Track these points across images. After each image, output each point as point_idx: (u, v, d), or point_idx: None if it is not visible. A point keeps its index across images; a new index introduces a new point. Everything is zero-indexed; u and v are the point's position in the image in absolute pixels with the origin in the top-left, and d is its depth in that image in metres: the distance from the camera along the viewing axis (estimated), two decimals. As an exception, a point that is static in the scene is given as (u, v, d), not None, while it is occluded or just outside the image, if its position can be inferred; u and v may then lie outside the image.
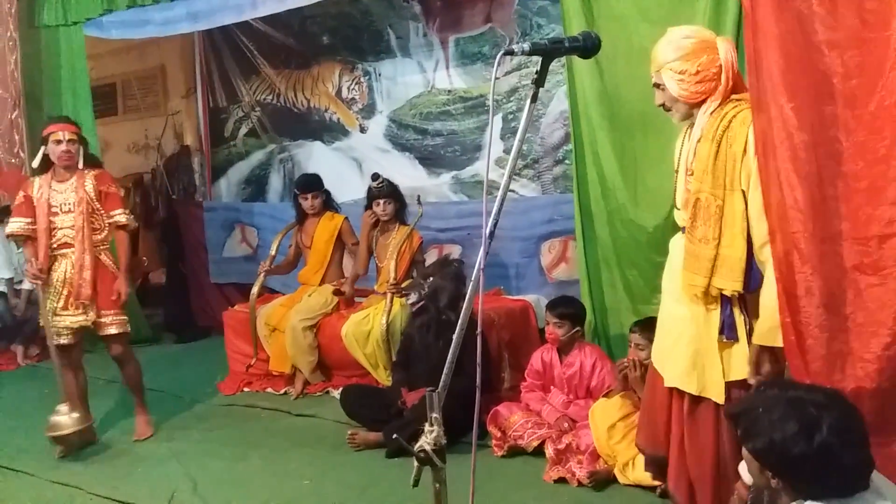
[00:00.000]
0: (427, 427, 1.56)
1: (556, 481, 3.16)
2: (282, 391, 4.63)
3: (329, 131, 6.16)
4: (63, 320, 3.78)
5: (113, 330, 3.83)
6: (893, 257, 1.88)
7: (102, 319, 3.80)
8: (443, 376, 1.60)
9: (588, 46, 1.71)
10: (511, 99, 5.14)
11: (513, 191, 5.06)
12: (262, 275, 4.89)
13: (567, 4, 3.86)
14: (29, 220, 3.78)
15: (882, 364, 1.92)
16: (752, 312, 2.25)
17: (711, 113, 2.26)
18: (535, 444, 3.40)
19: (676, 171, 2.44)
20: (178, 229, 6.75)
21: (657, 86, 2.35)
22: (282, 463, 3.58)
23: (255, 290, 4.86)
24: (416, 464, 1.56)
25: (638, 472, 2.98)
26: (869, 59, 1.85)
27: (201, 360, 5.48)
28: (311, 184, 4.93)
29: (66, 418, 3.69)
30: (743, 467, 1.77)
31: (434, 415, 1.56)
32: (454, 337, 1.62)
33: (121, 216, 3.85)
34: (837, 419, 1.61)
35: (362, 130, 5.96)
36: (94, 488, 3.37)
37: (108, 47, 6.72)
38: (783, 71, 1.98)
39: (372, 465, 3.48)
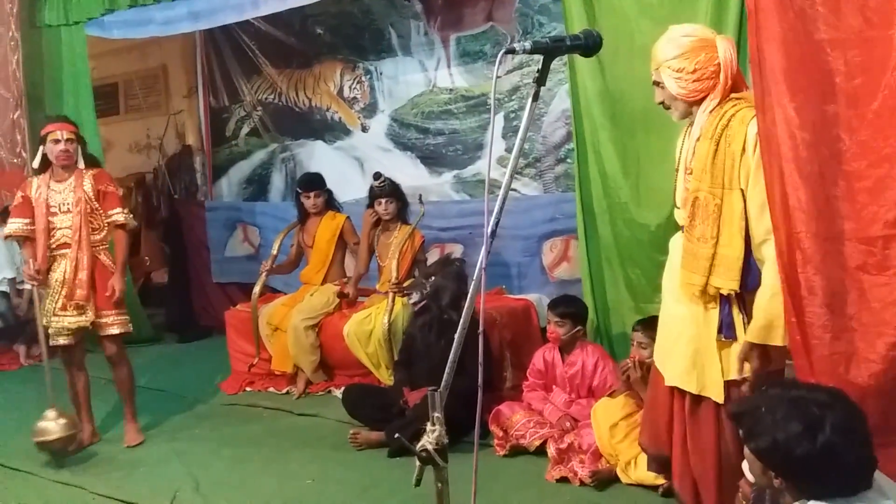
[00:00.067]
0: (429, 426, 1.56)
1: (558, 481, 3.15)
2: (284, 391, 4.63)
3: (331, 130, 6.15)
4: (61, 321, 3.75)
5: (114, 330, 3.81)
6: (899, 257, 1.88)
7: (103, 320, 3.78)
8: (445, 376, 1.60)
9: (590, 45, 1.71)
10: (513, 98, 5.14)
11: (514, 190, 5.05)
12: (264, 274, 4.89)
13: (568, 3, 3.86)
14: (27, 220, 3.76)
15: (887, 364, 1.91)
16: (750, 312, 2.24)
17: (710, 112, 2.26)
18: (537, 443, 3.40)
19: (676, 170, 2.44)
20: (180, 229, 6.75)
21: (656, 83, 2.35)
22: (284, 462, 3.58)
23: (256, 289, 4.86)
24: (418, 463, 1.56)
25: (640, 472, 2.97)
26: (872, 58, 1.85)
27: (203, 360, 5.48)
28: (314, 182, 4.93)
29: (52, 424, 3.60)
30: (745, 466, 1.76)
31: (436, 414, 1.56)
32: (456, 336, 1.62)
33: (119, 215, 3.82)
34: (840, 418, 1.61)
35: (364, 130, 5.96)
36: (97, 488, 3.37)
37: (109, 47, 6.72)
38: (785, 70, 1.97)
39: (374, 464, 3.48)
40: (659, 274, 2.63)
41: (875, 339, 1.92)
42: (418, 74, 5.58)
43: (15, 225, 3.79)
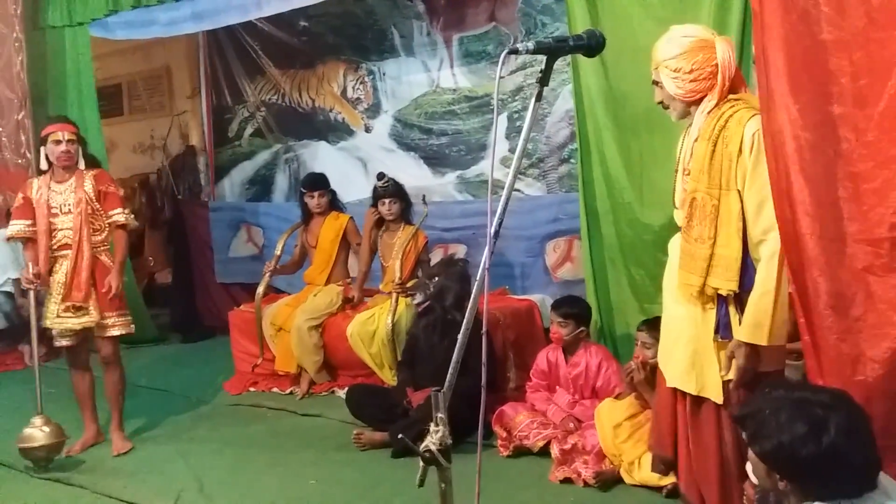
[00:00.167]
0: (432, 427, 1.56)
1: (561, 481, 3.15)
2: (287, 391, 4.63)
3: (334, 131, 6.15)
4: (65, 322, 3.73)
5: (115, 332, 3.79)
6: (906, 259, 1.86)
7: (105, 321, 3.76)
8: (448, 376, 1.60)
9: (593, 45, 1.71)
10: (516, 98, 5.13)
11: (518, 190, 5.05)
12: (268, 275, 4.90)
13: (572, 3, 3.86)
14: (29, 221, 3.75)
15: (892, 366, 1.90)
16: None
17: (708, 112, 2.27)
18: (541, 444, 3.39)
19: (676, 171, 2.45)
20: (183, 229, 6.76)
21: (656, 83, 2.36)
22: (287, 463, 3.58)
23: (260, 289, 4.87)
24: (421, 463, 1.56)
25: (644, 473, 2.97)
26: (878, 59, 1.84)
27: (207, 360, 5.49)
28: (318, 182, 4.94)
29: (37, 431, 3.56)
30: (750, 469, 1.76)
31: (439, 414, 1.56)
32: (459, 336, 1.61)
33: (120, 215, 3.80)
34: (845, 420, 1.60)
35: (367, 130, 5.96)
36: (100, 488, 3.37)
37: (113, 48, 6.74)
38: (788, 70, 1.97)
39: (377, 464, 3.48)
40: (662, 274, 2.63)
41: (880, 340, 1.91)
42: (421, 75, 5.58)
43: (17, 226, 3.77)
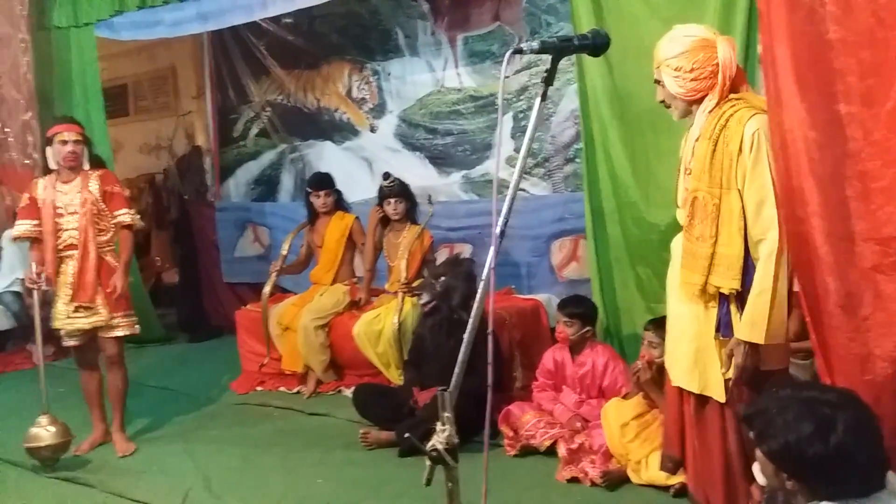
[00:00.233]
0: (439, 426, 1.56)
1: (568, 481, 3.15)
2: (294, 390, 4.64)
3: (339, 131, 6.16)
4: (76, 323, 3.73)
5: (120, 332, 3.79)
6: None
7: (111, 321, 3.76)
8: (454, 376, 1.60)
9: (598, 44, 1.71)
10: (521, 97, 5.13)
11: (523, 189, 5.05)
12: (274, 274, 4.91)
13: (576, 2, 3.86)
14: (35, 221, 3.76)
15: (899, 366, 1.90)
16: None
17: (709, 112, 2.28)
18: (548, 443, 3.39)
19: (678, 170, 2.45)
20: (190, 229, 6.78)
21: (657, 82, 2.37)
22: (294, 462, 3.59)
23: (267, 289, 4.88)
24: (428, 463, 1.56)
25: (651, 472, 2.97)
26: (885, 58, 1.83)
27: (214, 360, 5.50)
28: (324, 181, 4.95)
29: (43, 431, 3.57)
30: (757, 469, 1.76)
31: (446, 414, 1.56)
32: (465, 336, 1.62)
33: (125, 216, 3.80)
34: (852, 419, 1.60)
35: (372, 130, 5.97)
36: (109, 487, 3.39)
37: (119, 48, 6.76)
38: (795, 69, 1.97)
39: (384, 464, 3.48)
40: (668, 274, 2.63)
41: (889, 339, 1.91)
42: (426, 75, 5.58)
43: (23, 226, 3.78)
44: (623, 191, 3.89)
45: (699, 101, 2.30)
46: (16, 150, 5.70)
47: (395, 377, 4.30)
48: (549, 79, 1.66)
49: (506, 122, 5.15)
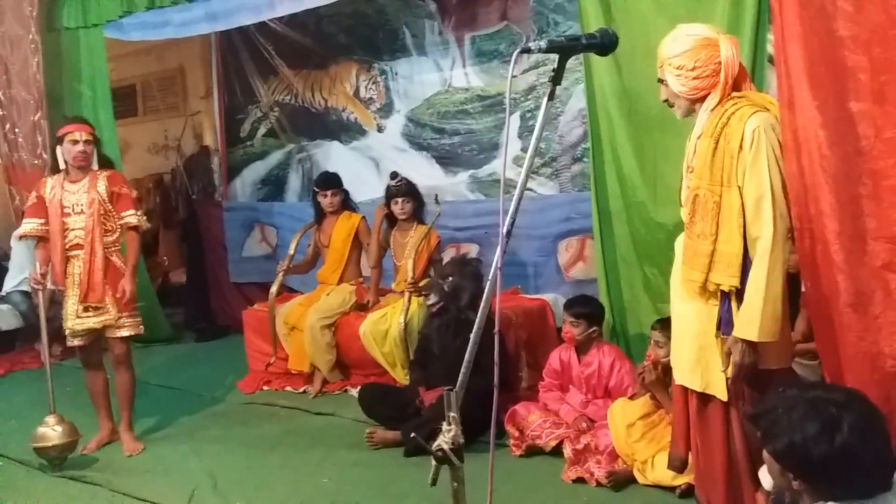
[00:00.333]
0: (445, 426, 1.56)
1: (574, 481, 3.15)
2: (300, 390, 4.65)
3: (347, 131, 6.17)
4: (85, 323, 3.74)
5: (126, 332, 3.80)
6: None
7: (118, 322, 3.77)
8: (460, 375, 1.60)
9: (605, 44, 1.71)
10: (529, 97, 5.12)
11: (530, 189, 5.04)
12: (281, 274, 4.92)
13: (584, 1, 3.85)
14: (41, 220, 3.77)
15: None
16: None
17: (712, 110, 2.29)
18: (554, 443, 3.39)
19: (682, 169, 2.45)
20: (197, 229, 6.80)
21: (661, 81, 2.37)
22: (301, 461, 3.59)
23: (274, 289, 4.89)
24: (433, 463, 1.56)
25: (657, 472, 2.96)
26: (896, 55, 1.82)
27: (221, 359, 5.52)
28: (331, 181, 4.96)
29: (50, 431, 3.59)
30: (763, 472, 1.75)
31: (452, 414, 1.56)
32: (472, 336, 1.62)
33: (132, 217, 3.81)
34: (858, 419, 1.59)
35: (380, 130, 5.97)
36: (115, 485, 3.40)
37: (127, 49, 6.78)
38: (806, 68, 1.96)
39: (390, 463, 3.49)
40: (675, 273, 2.62)
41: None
42: (433, 74, 5.58)
43: (30, 225, 3.80)
44: (630, 190, 3.88)
45: (702, 99, 2.30)
46: (25, 151, 5.73)
47: (401, 377, 4.30)
48: (556, 78, 1.65)
49: (513, 122, 5.15)
